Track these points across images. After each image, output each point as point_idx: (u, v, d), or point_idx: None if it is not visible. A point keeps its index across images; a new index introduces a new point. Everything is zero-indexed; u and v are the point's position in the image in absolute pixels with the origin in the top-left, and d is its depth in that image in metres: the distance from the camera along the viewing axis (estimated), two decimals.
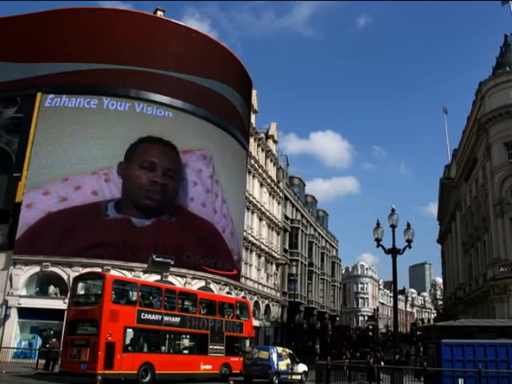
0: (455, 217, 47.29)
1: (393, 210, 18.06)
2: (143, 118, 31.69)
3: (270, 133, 50.11)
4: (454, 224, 47.86)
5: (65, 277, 28.20)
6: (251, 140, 42.72)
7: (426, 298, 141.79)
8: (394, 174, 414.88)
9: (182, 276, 31.64)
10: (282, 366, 22.02)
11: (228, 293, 34.79)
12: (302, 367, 24.07)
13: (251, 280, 41.37)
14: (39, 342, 27.52)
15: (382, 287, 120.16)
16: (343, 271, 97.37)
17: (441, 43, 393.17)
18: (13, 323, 27.50)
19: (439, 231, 63.96)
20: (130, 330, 18.67)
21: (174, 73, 33.34)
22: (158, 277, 30.18)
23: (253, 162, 43.01)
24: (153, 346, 19.80)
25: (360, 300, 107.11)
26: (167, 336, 20.50)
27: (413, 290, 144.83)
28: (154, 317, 19.72)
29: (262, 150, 46.57)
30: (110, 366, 17.49)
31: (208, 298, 24.49)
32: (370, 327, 51.48)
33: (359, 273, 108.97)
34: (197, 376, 21.27)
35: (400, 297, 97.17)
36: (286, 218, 53.23)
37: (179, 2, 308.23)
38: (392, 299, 23.46)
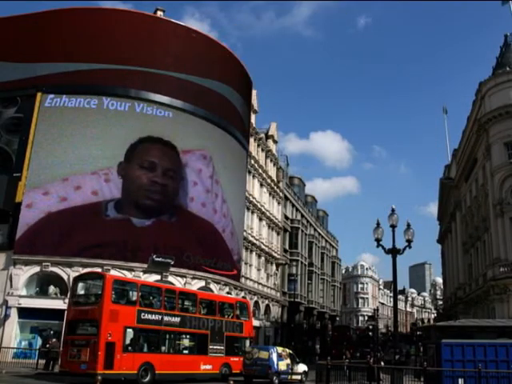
0: (455, 217, 47.29)
1: (393, 210, 18.06)
2: (143, 118, 31.69)
3: (270, 133, 50.11)
4: (454, 224, 47.86)
5: (65, 277, 28.20)
6: (251, 140, 42.72)
7: (426, 298, 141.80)
8: (394, 174, 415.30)
9: (182, 276, 31.64)
10: (282, 365, 22.02)
11: (228, 293, 34.79)
12: (301, 367, 24.07)
13: (251, 280, 41.37)
14: (39, 341, 27.52)
15: (382, 287, 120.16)
16: (343, 271, 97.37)
17: (441, 43, 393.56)
18: (13, 323, 27.50)
19: (439, 231, 63.97)
20: (130, 330, 18.67)
21: (173, 73, 33.34)
22: (158, 277, 30.18)
23: (253, 161, 43.02)
24: (153, 346, 19.80)
25: (360, 300, 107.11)
26: (167, 336, 20.50)
27: (413, 290, 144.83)
28: (153, 317, 19.72)
29: (262, 150, 46.57)
30: (110, 366, 17.49)
31: (208, 298, 24.49)
32: (370, 327, 51.49)
33: (359, 273, 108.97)
34: (197, 376, 21.27)
35: (400, 297, 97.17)
36: (286, 218, 53.23)
37: (179, 2, 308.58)
38: (392, 299, 23.46)
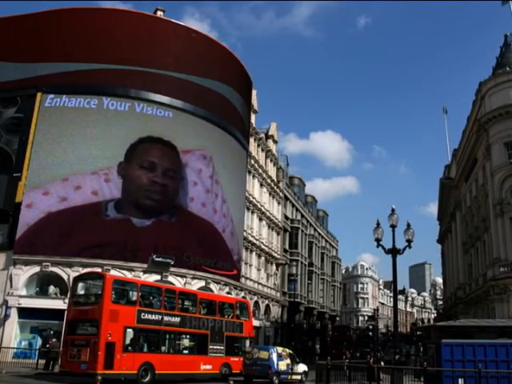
0: (455, 217, 47.29)
1: (393, 210, 18.05)
2: (143, 118, 31.68)
3: (270, 133, 50.11)
4: (454, 224, 47.86)
5: (65, 277, 28.20)
6: (251, 140, 42.72)
7: (426, 298, 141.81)
8: (394, 174, 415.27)
9: (182, 276, 31.64)
10: (282, 366, 22.02)
11: (228, 293, 34.79)
12: (301, 367, 24.06)
13: (251, 280, 41.37)
14: (39, 342, 27.52)
15: (382, 287, 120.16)
16: (343, 271, 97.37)
17: (441, 43, 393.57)
18: (13, 323, 27.50)
19: (439, 231, 63.96)
20: (130, 330, 18.67)
21: (173, 73, 33.34)
22: (158, 277, 30.18)
23: (253, 161, 43.02)
24: (153, 346, 19.80)
25: (360, 300, 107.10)
26: (167, 336, 20.50)
27: (413, 290, 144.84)
28: (153, 317, 19.72)
29: (262, 150, 46.57)
30: (110, 366, 17.49)
31: (208, 298, 24.49)
32: (370, 327, 51.49)
33: (359, 273, 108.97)
34: (197, 376, 21.27)
35: (400, 297, 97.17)
36: (286, 218, 53.23)
37: (179, 2, 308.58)
38: (392, 299, 23.46)
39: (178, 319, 20.80)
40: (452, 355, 17.25)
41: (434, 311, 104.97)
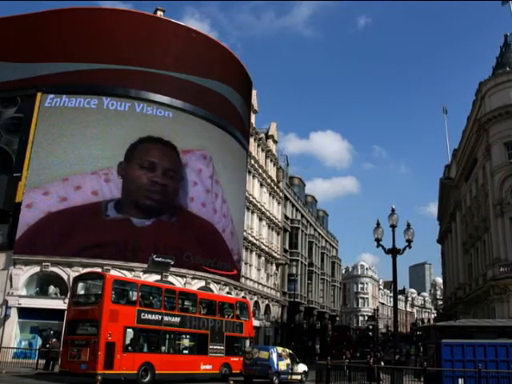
0: (455, 217, 47.29)
1: (393, 210, 18.05)
2: (143, 118, 31.68)
3: (270, 133, 50.11)
4: (454, 224, 47.86)
5: (65, 277, 28.20)
6: (251, 140, 42.72)
7: (426, 298, 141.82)
8: (394, 174, 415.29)
9: (182, 276, 31.64)
10: (282, 366, 22.01)
11: (228, 293, 34.79)
12: (301, 367, 24.06)
13: (251, 280, 41.37)
14: (39, 342, 27.52)
15: (382, 287, 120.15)
16: (343, 271, 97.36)
17: (441, 43, 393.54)
18: (13, 323, 27.50)
19: (439, 231, 63.96)
20: (130, 330, 18.66)
21: (173, 73, 33.33)
22: (158, 277, 30.18)
23: (253, 161, 43.02)
24: (153, 346, 19.79)
25: (360, 300, 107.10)
26: (167, 336, 20.50)
27: (413, 290, 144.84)
28: (153, 317, 19.71)
29: (262, 150, 46.57)
30: (110, 366, 17.49)
31: (208, 298, 24.49)
32: (370, 327, 51.50)
33: (359, 273, 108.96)
34: (197, 376, 21.27)
35: (400, 297, 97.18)
36: (286, 218, 53.22)
37: (179, 2, 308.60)
38: (392, 299, 23.46)
39: (178, 319, 20.80)
40: (452, 355, 17.25)
41: (434, 311, 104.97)
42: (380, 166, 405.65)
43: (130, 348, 18.52)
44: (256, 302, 41.74)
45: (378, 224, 18.24)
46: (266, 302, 44.71)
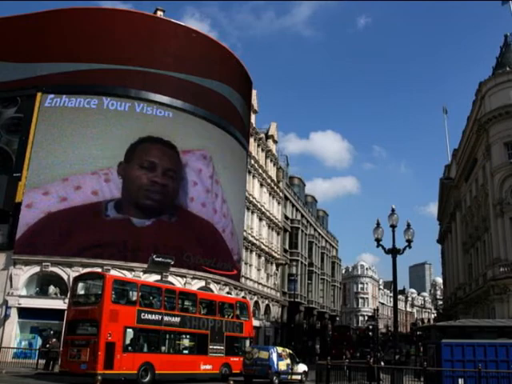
0: (455, 217, 47.28)
1: (393, 210, 18.03)
2: (143, 117, 31.69)
3: (270, 133, 50.11)
4: (454, 224, 47.84)
5: (65, 277, 28.21)
6: (251, 140, 42.72)
7: (426, 298, 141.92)
8: (394, 174, 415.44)
9: (182, 276, 31.63)
10: (282, 366, 22.00)
11: (228, 293, 34.79)
12: (301, 367, 24.03)
13: (251, 280, 41.37)
14: (39, 342, 27.51)
15: (382, 287, 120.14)
16: (343, 271, 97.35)
17: (441, 43, 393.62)
18: (13, 323, 27.50)
19: (439, 231, 63.94)
20: (130, 330, 18.65)
21: (173, 73, 33.33)
22: (158, 277, 30.18)
23: (253, 161, 43.01)
24: (153, 346, 19.78)
25: (360, 300, 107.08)
26: (167, 336, 20.48)
27: (413, 290, 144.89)
28: (153, 317, 19.71)
29: (262, 150, 46.57)
30: (110, 366, 17.48)
31: (208, 298, 24.47)
32: (370, 327, 51.61)
33: (359, 273, 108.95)
34: (197, 376, 21.27)
35: (400, 297, 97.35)
36: (286, 218, 53.21)
37: (179, 2, 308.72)
38: (392, 299, 23.44)
39: (178, 319, 20.79)
40: (452, 355, 17.23)
41: (434, 311, 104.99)
42: (380, 166, 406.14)
43: (130, 348, 18.50)
44: (256, 302, 41.73)
45: (378, 224, 18.22)
46: (266, 301, 44.71)
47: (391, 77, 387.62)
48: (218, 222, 34.29)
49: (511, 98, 32.76)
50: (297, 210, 58.11)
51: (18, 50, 31.82)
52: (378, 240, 18.03)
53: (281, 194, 51.29)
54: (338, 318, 73.48)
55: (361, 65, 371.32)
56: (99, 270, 26.85)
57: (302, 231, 55.34)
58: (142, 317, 19.17)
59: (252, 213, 42.66)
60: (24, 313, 27.79)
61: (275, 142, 51.65)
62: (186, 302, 22.39)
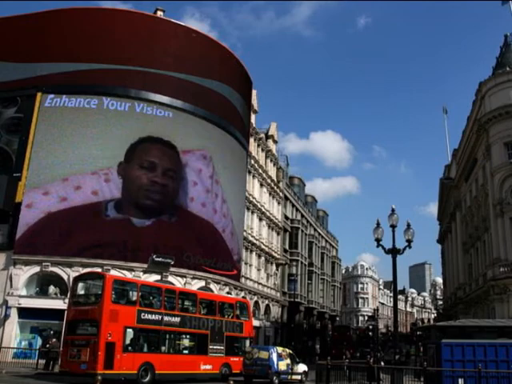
0: (455, 217, 47.27)
1: (393, 210, 18.03)
2: (143, 117, 31.69)
3: (270, 133, 50.11)
4: (454, 224, 47.84)
5: (65, 277, 28.20)
6: (251, 140, 42.72)
7: (426, 298, 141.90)
8: (394, 174, 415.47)
9: (182, 276, 31.63)
10: (282, 366, 22.00)
11: (228, 293, 34.79)
12: (301, 367, 24.03)
13: (251, 280, 41.36)
14: (39, 341, 27.51)
15: (382, 287, 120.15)
16: (343, 271, 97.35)
17: (441, 43, 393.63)
18: (13, 323, 27.50)
19: (439, 231, 63.93)
20: (130, 330, 18.65)
21: (173, 73, 33.34)
22: (158, 277, 30.18)
23: (253, 161, 43.01)
24: (153, 345, 19.78)
25: (360, 300, 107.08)
26: (167, 336, 20.48)
27: (413, 290, 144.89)
28: (153, 317, 19.71)
29: (262, 150, 46.57)
30: (110, 366, 17.48)
31: (208, 298, 24.47)
32: (370, 327, 51.61)
33: (359, 273, 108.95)
34: (197, 376, 21.27)
35: (400, 297, 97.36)
36: (286, 218, 53.21)
37: (179, 2, 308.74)
38: (392, 299, 23.44)
39: (178, 319, 20.79)
40: (452, 355, 17.22)
41: (434, 311, 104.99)
42: (380, 166, 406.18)
43: (130, 348, 18.50)
44: (256, 302, 41.73)
45: (378, 224, 18.22)
46: (266, 301, 44.71)
47: (391, 77, 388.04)
48: (218, 222, 34.29)
49: (511, 98, 32.76)
50: (297, 210, 58.11)
51: (18, 49, 31.82)
52: (378, 240, 18.03)
53: (281, 193, 51.29)
54: (337, 318, 73.47)
55: (361, 65, 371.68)
56: (99, 269, 26.85)
57: (302, 231, 55.34)
58: (142, 317, 19.17)
59: (252, 213, 42.66)
60: (24, 313, 27.78)
61: (275, 141, 51.65)
62: (186, 302, 22.39)
